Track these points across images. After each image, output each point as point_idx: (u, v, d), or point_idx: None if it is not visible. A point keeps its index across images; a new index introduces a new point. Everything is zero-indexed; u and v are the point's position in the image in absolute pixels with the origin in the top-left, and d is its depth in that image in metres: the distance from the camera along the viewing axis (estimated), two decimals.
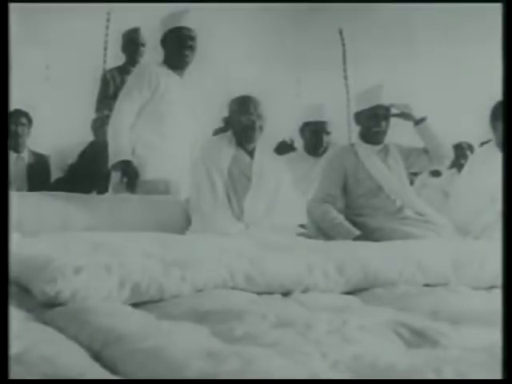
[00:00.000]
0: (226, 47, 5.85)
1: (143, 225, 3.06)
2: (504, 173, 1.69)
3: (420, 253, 2.31)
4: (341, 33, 6.80)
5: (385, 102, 3.44)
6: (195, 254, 2.11)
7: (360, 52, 6.58)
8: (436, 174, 5.31)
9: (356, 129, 3.60)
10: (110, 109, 3.76)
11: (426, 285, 2.19)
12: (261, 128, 3.27)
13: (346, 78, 6.84)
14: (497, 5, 1.83)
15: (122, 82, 4.31)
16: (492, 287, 2.21)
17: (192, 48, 3.65)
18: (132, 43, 4.87)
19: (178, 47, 3.62)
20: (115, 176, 3.59)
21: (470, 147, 5.26)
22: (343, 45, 6.85)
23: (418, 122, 3.44)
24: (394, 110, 3.48)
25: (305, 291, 2.04)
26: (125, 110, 3.56)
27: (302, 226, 3.32)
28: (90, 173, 4.32)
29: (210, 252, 2.19)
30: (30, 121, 4.39)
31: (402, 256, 2.26)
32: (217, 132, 4.18)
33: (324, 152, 4.06)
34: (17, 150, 4.33)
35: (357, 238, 3.15)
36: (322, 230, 3.32)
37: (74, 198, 3.23)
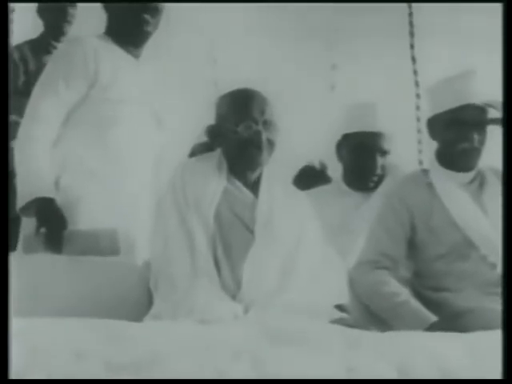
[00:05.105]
0: (213, 9, 5.90)
1: (74, 304, 3.09)
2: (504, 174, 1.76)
3: None
4: None
5: (477, 99, 3.48)
6: (160, 354, 2.13)
7: (432, 23, 6.60)
8: None
9: (432, 145, 3.63)
10: (20, 111, 3.78)
11: None
12: (270, 144, 3.29)
13: (414, 60, 6.82)
14: None
15: (39, 67, 4.36)
16: None
17: (155, 10, 3.67)
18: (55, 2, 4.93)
19: (130, 9, 3.65)
20: (28, 224, 3.61)
21: None
22: (410, 7, 6.85)
23: None
24: (492, 113, 3.51)
25: None
26: (43, 113, 3.58)
27: (339, 307, 3.33)
28: None
29: (184, 350, 2.21)
30: None
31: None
32: (197, 151, 4.22)
33: (377, 185, 4.10)
34: None
35: (433, 327, 3.18)
36: (373, 314, 3.35)
37: None
